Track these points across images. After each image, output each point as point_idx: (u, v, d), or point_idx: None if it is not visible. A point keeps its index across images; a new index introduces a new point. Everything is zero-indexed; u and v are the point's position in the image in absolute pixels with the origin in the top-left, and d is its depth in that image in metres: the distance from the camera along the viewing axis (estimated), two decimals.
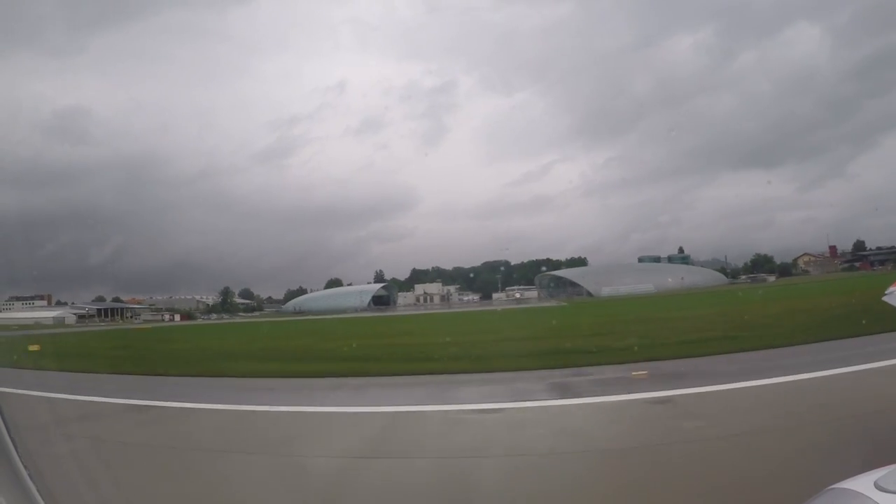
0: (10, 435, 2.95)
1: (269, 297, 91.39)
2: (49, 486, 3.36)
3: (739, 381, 10.05)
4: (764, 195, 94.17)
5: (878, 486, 1.96)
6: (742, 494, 5.29)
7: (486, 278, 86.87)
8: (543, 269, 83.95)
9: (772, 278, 75.64)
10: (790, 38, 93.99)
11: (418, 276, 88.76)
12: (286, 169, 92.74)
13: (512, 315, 49.96)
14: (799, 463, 5.82)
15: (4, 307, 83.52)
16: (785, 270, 79.00)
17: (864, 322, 14.01)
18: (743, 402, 8.92)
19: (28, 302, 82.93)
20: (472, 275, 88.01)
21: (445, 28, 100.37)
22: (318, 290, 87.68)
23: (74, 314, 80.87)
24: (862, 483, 2.02)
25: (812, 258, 79.46)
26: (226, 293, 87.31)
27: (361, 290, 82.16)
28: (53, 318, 76.69)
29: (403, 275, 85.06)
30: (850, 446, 5.99)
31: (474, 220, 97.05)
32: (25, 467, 2.89)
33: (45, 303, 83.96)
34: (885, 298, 6.38)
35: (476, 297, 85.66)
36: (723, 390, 9.62)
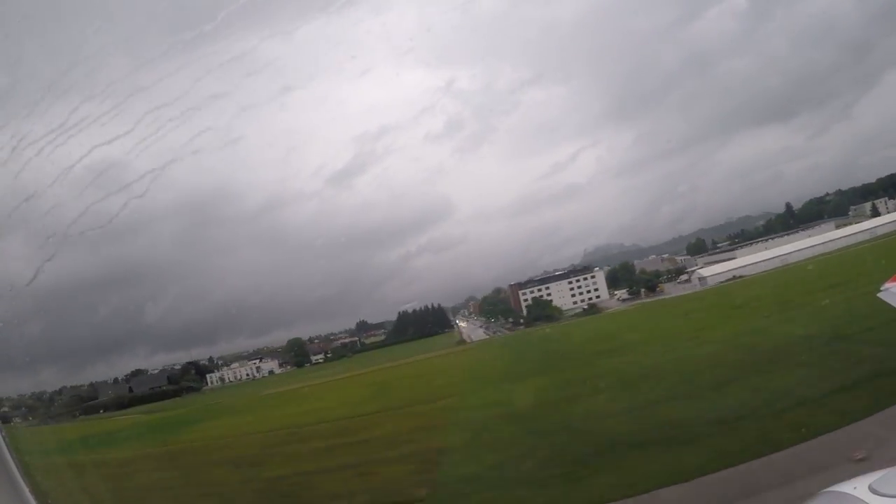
0: (12, 457, 2.93)
1: None
2: None
3: None
4: (774, 148, 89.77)
5: (872, 490, 2.06)
6: None
7: None
8: None
9: None
10: None
11: None
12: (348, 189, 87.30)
13: None
14: None
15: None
16: None
17: None
18: None
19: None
20: None
21: (479, 30, 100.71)
22: None
23: None
24: (856, 486, 2.14)
25: None
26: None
27: None
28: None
29: (460, 287, 78.62)
30: None
31: (510, 219, 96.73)
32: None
33: None
34: (880, 295, 6.15)
35: None
36: None
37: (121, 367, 64.18)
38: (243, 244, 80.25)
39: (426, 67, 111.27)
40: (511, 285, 60.76)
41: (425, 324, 66.38)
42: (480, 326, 64.88)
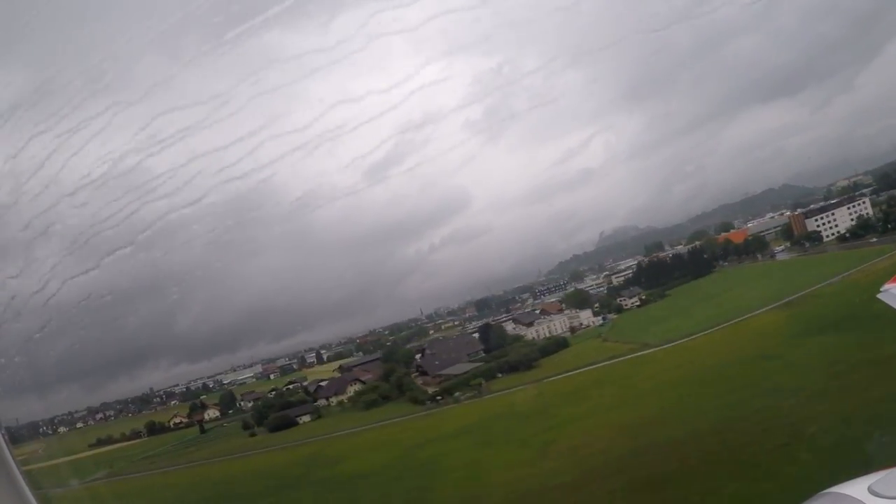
0: (11, 455, 3.04)
1: None
2: None
3: None
4: (781, 123, 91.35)
5: (871, 491, 2.36)
6: None
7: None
8: None
9: None
10: None
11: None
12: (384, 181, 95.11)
13: None
14: None
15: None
16: None
17: None
18: None
19: None
20: None
21: (493, 19, 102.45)
22: None
23: None
24: (856, 488, 2.33)
25: None
26: None
27: None
28: None
29: (483, 279, 77.19)
30: None
31: (527, 207, 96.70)
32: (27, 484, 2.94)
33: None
34: (880, 296, 6.38)
35: None
36: None
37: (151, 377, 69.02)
38: (277, 243, 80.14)
39: (441, 57, 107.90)
40: (793, 215, 72.59)
41: (689, 267, 71.73)
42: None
